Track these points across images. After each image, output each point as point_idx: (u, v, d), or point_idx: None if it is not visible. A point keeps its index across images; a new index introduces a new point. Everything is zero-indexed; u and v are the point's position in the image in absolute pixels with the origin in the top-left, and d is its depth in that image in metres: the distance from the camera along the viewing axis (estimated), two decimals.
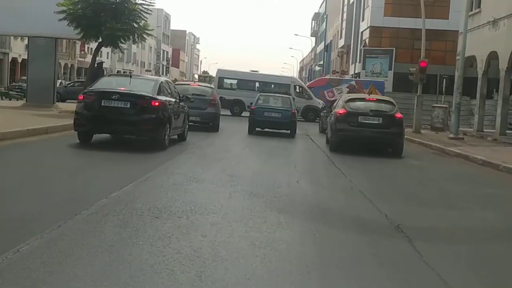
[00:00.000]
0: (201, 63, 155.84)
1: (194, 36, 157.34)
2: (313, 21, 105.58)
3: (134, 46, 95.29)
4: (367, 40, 46.22)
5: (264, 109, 19.05)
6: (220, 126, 20.25)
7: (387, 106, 14.87)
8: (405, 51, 44.38)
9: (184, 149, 12.65)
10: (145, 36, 19.29)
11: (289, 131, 19.41)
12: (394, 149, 14.75)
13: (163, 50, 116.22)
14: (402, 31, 45.18)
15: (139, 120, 11.23)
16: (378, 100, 15.20)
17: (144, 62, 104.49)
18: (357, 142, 14.80)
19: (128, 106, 11.19)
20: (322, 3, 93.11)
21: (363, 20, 49.19)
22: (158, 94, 11.88)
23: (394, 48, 41.24)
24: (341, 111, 14.72)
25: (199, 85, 19.80)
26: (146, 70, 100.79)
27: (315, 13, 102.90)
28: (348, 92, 33.18)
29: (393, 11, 45.14)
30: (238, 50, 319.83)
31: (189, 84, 20.02)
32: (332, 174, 10.78)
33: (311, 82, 57.41)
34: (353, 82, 38.84)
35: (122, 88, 11.63)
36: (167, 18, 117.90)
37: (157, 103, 11.47)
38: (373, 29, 45.57)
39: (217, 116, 18.84)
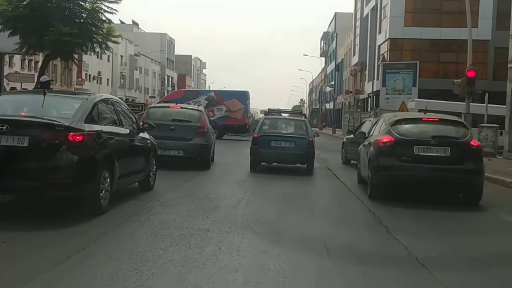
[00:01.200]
0: (209, 88, 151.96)
1: (201, 61, 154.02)
2: (322, 41, 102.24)
3: (136, 72, 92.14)
4: (386, 54, 41.37)
5: (271, 137, 14.12)
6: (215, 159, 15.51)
7: (456, 130, 9.91)
8: (429, 65, 39.48)
9: (138, 210, 7.69)
10: (109, 43, 14.40)
11: (305, 165, 14.47)
12: (469, 194, 9.78)
13: (168, 76, 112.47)
14: (425, 43, 40.33)
15: (45, 168, 6.32)
16: (441, 121, 10.15)
17: (147, 88, 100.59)
18: (412, 185, 9.81)
19: (26, 143, 6.29)
20: (331, 21, 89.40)
21: (379, 32, 44.44)
22: (88, 121, 6.98)
23: (418, 62, 36.31)
24: (386, 138, 9.76)
25: (182, 108, 14.88)
26: (150, 97, 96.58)
27: (324, 32, 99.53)
28: (207, 106, 28.83)
29: (414, 21, 40.36)
30: (246, 73, 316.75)
31: (168, 107, 15.16)
32: (393, 257, 5.80)
33: (166, 95, 52.48)
34: (212, 94, 34.81)
35: (22, 113, 6.79)
36: (171, 42, 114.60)
37: (79, 137, 6.57)
38: (393, 42, 40.74)
39: (207, 149, 13.95)
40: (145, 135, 9.69)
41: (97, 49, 14.45)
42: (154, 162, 9.92)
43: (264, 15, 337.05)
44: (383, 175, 9.69)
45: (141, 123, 13.23)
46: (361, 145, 12.25)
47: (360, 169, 12.14)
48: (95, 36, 13.96)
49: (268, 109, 15.52)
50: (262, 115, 17.83)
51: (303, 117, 15.30)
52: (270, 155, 14.17)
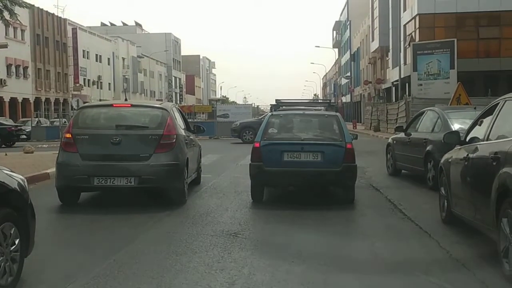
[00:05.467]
0: (221, 88, 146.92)
1: (209, 60, 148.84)
2: (334, 31, 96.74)
3: (140, 75, 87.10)
4: (414, 34, 35.42)
5: (282, 147, 8.49)
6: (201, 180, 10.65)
7: None
8: (468, 43, 33.45)
9: None
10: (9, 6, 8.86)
11: (341, 189, 8.87)
12: None
13: (175, 77, 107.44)
14: (462, 17, 34.30)
15: None
16: None
17: (154, 91, 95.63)
18: None
19: None
20: (343, 9, 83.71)
21: (405, 10, 38.44)
22: None
23: (455, 39, 30.31)
24: None
25: (134, 106, 9.12)
26: (157, 100, 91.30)
27: (336, 21, 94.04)
28: None
29: None
30: (256, 71, 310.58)
31: (111, 106, 9.51)
32: None
33: None
34: None
35: None
36: (176, 42, 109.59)
37: None
38: (423, 18, 34.70)
39: (177, 171, 8.36)
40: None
41: None
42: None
43: (272, 10, 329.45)
44: None
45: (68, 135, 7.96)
46: (452, 156, 6.57)
47: (451, 199, 6.50)
48: None
49: (276, 100, 9.73)
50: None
51: (333, 110, 9.55)
52: (283, 175, 8.50)
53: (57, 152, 8.68)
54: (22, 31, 50.29)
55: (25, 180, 4.70)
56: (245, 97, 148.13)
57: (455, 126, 9.66)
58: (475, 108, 10.49)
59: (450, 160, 6.66)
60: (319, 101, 18.51)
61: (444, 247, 5.79)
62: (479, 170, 5.49)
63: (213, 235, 6.45)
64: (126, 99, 10.03)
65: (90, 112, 8.96)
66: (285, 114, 9.41)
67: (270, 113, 9.46)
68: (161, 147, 8.20)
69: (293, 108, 9.96)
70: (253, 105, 40.85)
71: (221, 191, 10.13)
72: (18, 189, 4.46)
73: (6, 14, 11.51)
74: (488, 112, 5.93)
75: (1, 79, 47.03)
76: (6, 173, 4.46)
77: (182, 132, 9.05)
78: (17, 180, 4.52)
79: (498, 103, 5.67)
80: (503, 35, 33.99)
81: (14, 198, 4.40)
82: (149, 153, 8.13)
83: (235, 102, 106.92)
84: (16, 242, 4.42)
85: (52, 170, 10.72)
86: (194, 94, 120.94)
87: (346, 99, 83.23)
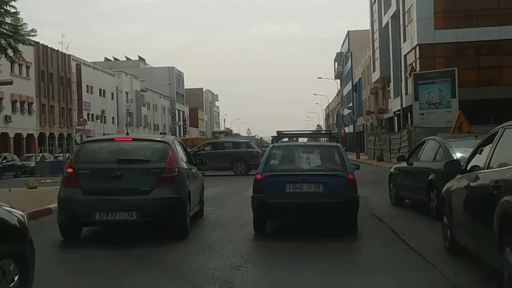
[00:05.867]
0: (224, 121, 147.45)
1: (212, 93, 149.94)
2: (336, 63, 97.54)
3: (144, 108, 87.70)
4: (415, 64, 35.66)
5: (284, 178, 8.49)
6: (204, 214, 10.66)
7: None
8: (468, 72, 33.61)
9: None
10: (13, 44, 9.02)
11: (344, 220, 8.83)
12: None
13: (178, 110, 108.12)
14: (461, 47, 34.59)
15: None
16: None
17: (157, 125, 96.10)
18: None
19: None
20: (344, 41, 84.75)
21: (405, 40, 38.81)
22: None
23: (456, 69, 30.48)
24: None
25: (135, 140, 9.20)
26: (161, 133, 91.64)
27: (337, 53, 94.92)
28: None
29: (446, 23, 34.70)
30: (259, 104, 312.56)
31: (113, 140, 9.58)
32: None
33: None
34: None
35: None
36: (180, 76, 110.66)
37: None
38: (423, 48, 34.99)
39: (179, 204, 8.36)
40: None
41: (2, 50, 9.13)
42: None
43: (272, 41, 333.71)
44: None
45: (70, 170, 7.96)
46: (453, 185, 6.56)
47: (454, 228, 6.46)
48: None
49: (278, 132, 9.76)
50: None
51: (334, 141, 9.57)
52: (285, 207, 8.48)
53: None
54: (27, 67, 50.92)
55: (25, 216, 4.71)
56: (248, 129, 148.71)
57: (457, 155, 9.66)
58: (476, 137, 10.49)
59: (451, 189, 6.64)
60: (320, 132, 18.55)
61: (447, 277, 5.73)
62: (480, 198, 5.47)
63: (215, 268, 6.40)
64: (127, 133, 10.09)
65: (92, 146, 9.01)
66: (286, 145, 9.43)
67: (271, 145, 9.49)
68: (162, 181, 8.20)
69: (294, 139, 9.98)
70: (256, 137, 40.93)
71: (224, 223, 10.10)
72: (18, 225, 4.47)
73: (10, 52, 11.66)
74: (488, 140, 5.94)
75: (6, 115, 47.39)
76: (6, 209, 4.47)
77: (184, 165, 9.06)
78: (17, 217, 4.53)
79: (498, 131, 5.68)
80: (504, 64, 34.19)
81: (14, 234, 4.40)
82: (151, 187, 8.13)
83: (239, 134, 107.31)
84: (16, 278, 4.40)
85: (54, 205, 10.70)
86: (197, 127, 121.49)
87: (349, 129, 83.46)
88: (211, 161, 17.06)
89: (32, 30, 13.10)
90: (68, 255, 7.81)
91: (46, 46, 55.11)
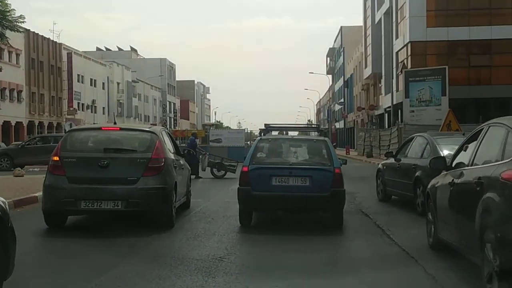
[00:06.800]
0: (215, 113, 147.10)
1: (204, 86, 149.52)
2: (328, 58, 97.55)
3: (135, 99, 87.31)
4: (406, 61, 35.74)
5: (271, 171, 8.49)
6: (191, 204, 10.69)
7: None
8: (459, 70, 33.74)
9: None
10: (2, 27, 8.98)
11: (329, 214, 8.84)
12: None
13: (170, 102, 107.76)
14: (453, 45, 34.70)
15: None
16: None
17: (148, 116, 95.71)
18: None
19: None
20: (337, 36, 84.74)
21: (397, 37, 38.87)
22: None
23: (447, 67, 30.60)
24: None
25: (123, 129, 9.20)
26: (152, 124, 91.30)
27: (330, 48, 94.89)
28: None
29: (438, 21, 34.78)
30: (251, 97, 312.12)
31: (100, 129, 9.56)
32: None
33: None
34: None
35: None
36: (171, 68, 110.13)
37: None
38: (415, 45, 35.05)
39: (165, 195, 8.34)
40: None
41: None
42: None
43: (265, 35, 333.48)
44: None
45: (56, 158, 7.88)
46: (438, 182, 6.60)
47: (438, 224, 6.50)
48: None
49: (265, 125, 9.74)
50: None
51: (322, 135, 9.56)
52: (270, 200, 8.49)
53: None
54: (17, 55, 50.47)
55: (6, 203, 4.67)
56: (239, 122, 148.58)
57: (444, 152, 9.70)
58: (463, 134, 10.53)
59: (436, 186, 6.67)
60: (308, 126, 18.54)
61: (430, 272, 5.76)
62: (463, 195, 5.50)
63: (199, 259, 6.40)
64: (115, 123, 10.05)
65: (79, 135, 8.96)
66: (273, 138, 9.43)
67: (259, 138, 9.48)
68: (149, 171, 8.18)
69: (282, 133, 9.98)
70: (246, 130, 40.89)
71: (210, 215, 10.09)
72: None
73: None
74: (473, 138, 5.97)
75: None
76: None
77: (171, 156, 9.04)
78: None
79: (483, 128, 5.71)
80: (494, 63, 34.36)
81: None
82: (137, 177, 8.10)
83: (229, 127, 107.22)
84: None
85: (40, 193, 10.64)
86: (188, 119, 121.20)
87: (339, 125, 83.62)
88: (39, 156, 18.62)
89: (20, 17, 13.06)
90: (52, 243, 7.77)
91: (37, 34, 54.64)
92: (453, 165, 6.30)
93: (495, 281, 4.41)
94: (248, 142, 33.87)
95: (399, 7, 38.38)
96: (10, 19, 11.13)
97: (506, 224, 4.24)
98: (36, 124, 55.29)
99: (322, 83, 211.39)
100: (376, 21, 47.97)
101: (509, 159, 4.57)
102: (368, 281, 5.66)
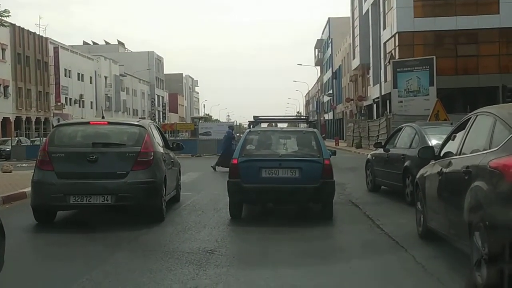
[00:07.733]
0: (204, 106, 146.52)
1: (192, 79, 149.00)
2: (316, 49, 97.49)
3: (123, 93, 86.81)
4: (394, 51, 35.85)
5: (260, 163, 8.50)
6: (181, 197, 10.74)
7: None
8: (446, 60, 33.90)
9: None
10: None
11: (319, 205, 8.87)
12: None
13: (158, 95, 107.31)
14: (440, 35, 34.84)
15: None
16: None
17: (136, 110, 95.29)
18: None
19: None
20: (325, 28, 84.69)
21: (384, 28, 38.95)
22: None
23: (434, 57, 30.74)
24: None
25: (111, 123, 9.16)
26: (140, 118, 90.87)
27: (318, 40, 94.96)
28: None
29: (425, 11, 34.91)
30: (239, 89, 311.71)
31: (88, 123, 9.50)
32: None
33: None
34: None
35: None
36: (159, 61, 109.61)
37: None
38: (402, 36, 35.18)
39: (155, 189, 8.32)
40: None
41: None
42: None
43: (254, 28, 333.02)
44: None
45: (43, 153, 7.82)
46: (427, 171, 6.63)
47: (427, 214, 6.54)
48: None
49: (254, 117, 9.75)
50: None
51: (311, 127, 9.58)
52: (260, 192, 8.50)
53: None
54: (3, 49, 50.00)
55: None
56: (228, 115, 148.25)
57: (432, 142, 9.75)
58: (451, 124, 10.58)
59: (425, 175, 6.71)
60: (297, 118, 18.57)
61: (419, 261, 5.80)
62: (452, 184, 5.54)
63: (190, 252, 6.40)
64: (103, 117, 10.00)
65: (67, 130, 8.89)
66: (263, 130, 9.43)
67: (248, 130, 9.47)
68: (138, 165, 8.15)
69: (271, 125, 9.98)
70: (235, 123, 40.88)
71: (200, 208, 10.09)
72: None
73: None
74: (461, 127, 6.00)
75: None
76: None
77: (160, 149, 9.01)
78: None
79: (470, 117, 5.74)
80: (481, 53, 34.57)
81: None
82: (126, 171, 8.07)
83: (218, 120, 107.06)
84: None
85: (29, 189, 10.58)
86: (177, 112, 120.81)
87: (328, 116, 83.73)
88: None
89: (5, 11, 12.91)
90: (41, 239, 7.74)
91: (23, 29, 54.10)
92: (442, 154, 6.34)
93: (483, 268, 4.46)
94: (238, 134, 33.85)
95: None
96: None
97: (494, 212, 4.27)
98: (24, 119, 54.87)
99: (311, 75, 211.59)
100: (364, 11, 48.02)
101: (496, 148, 4.61)
102: (358, 270, 5.70)
